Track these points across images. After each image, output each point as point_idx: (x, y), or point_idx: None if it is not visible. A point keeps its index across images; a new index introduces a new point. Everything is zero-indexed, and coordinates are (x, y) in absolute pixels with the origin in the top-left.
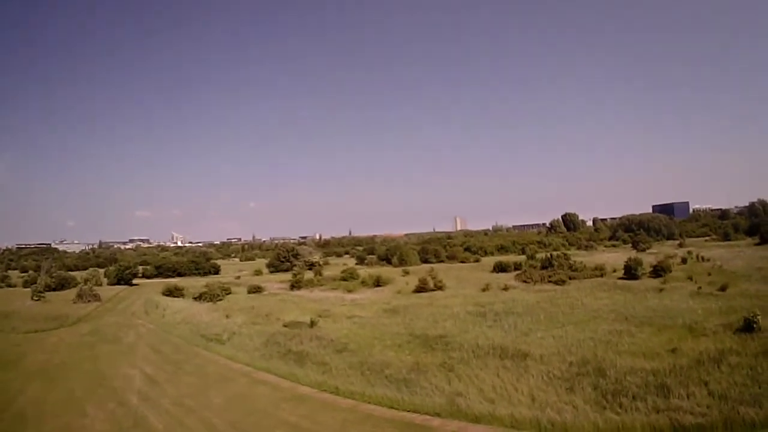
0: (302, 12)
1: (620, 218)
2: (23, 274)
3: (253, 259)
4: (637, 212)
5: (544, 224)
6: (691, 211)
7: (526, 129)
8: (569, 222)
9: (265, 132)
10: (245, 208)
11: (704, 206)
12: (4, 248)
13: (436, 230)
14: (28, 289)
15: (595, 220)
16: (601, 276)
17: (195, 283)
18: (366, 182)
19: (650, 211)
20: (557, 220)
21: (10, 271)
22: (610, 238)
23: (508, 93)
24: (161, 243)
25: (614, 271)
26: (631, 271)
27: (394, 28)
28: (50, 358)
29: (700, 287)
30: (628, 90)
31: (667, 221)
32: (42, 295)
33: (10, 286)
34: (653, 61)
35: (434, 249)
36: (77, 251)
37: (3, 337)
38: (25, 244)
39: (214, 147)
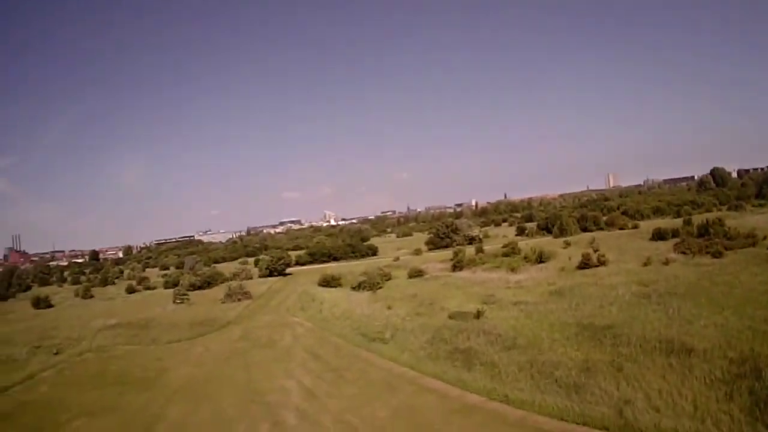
0: None
1: (765, 169)
2: (164, 273)
3: (411, 234)
4: None
5: (692, 177)
6: None
7: (672, 71)
8: (718, 177)
9: (409, 100)
10: (397, 179)
11: None
12: (142, 246)
13: (590, 188)
14: (170, 291)
15: (740, 173)
16: (753, 245)
17: (353, 269)
18: (518, 142)
19: None
20: (707, 176)
21: (148, 270)
22: (757, 195)
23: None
24: (313, 223)
25: (764, 238)
26: None
27: None
28: (195, 371)
29: None
30: None
31: None
32: (185, 296)
33: (149, 288)
34: None
35: (593, 216)
36: (223, 240)
37: (142, 350)
38: (165, 240)
39: (359, 120)
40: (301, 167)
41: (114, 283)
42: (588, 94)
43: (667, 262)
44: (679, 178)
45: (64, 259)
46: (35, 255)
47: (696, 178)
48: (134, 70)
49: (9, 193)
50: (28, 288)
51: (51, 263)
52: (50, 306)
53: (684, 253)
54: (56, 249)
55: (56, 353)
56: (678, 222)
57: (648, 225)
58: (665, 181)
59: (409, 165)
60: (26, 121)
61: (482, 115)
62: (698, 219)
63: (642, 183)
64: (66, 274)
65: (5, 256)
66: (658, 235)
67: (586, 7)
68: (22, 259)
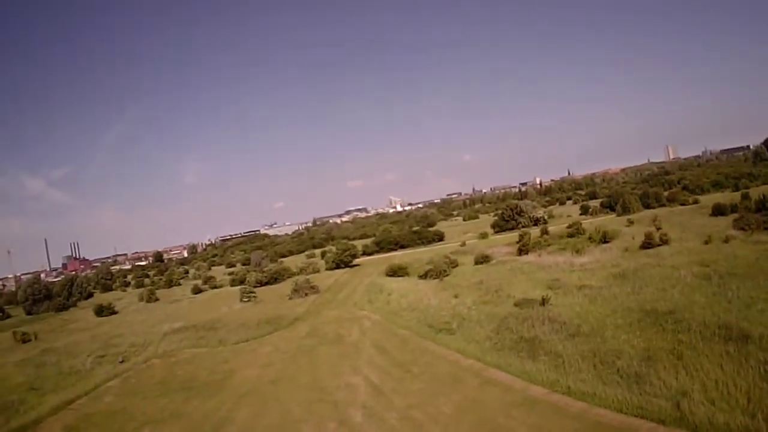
0: None
1: None
2: (230, 271)
3: (477, 217)
4: None
5: (749, 147)
6: None
7: (731, 40)
8: None
9: (468, 82)
10: (460, 161)
11: None
12: (207, 244)
13: (650, 161)
14: (237, 289)
15: None
16: None
17: (419, 257)
18: (580, 117)
19: None
20: (761, 147)
21: (214, 269)
22: None
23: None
24: (379, 210)
25: None
26: None
27: None
28: (262, 372)
29: None
30: None
31: None
32: (252, 294)
33: (215, 287)
34: None
35: (654, 192)
36: (289, 233)
37: (209, 353)
38: (230, 236)
39: (419, 105)
40: (363, 155)
41: (179, 284)
42: (643, 66)
43: (727, 240)
44: (735, 148)
45: (127, 262)
46: (96, 261)
47: (752, 147)
48: (190, 71)
49: (64, 202)
50: (90, 295)
51: (113, 267)
52: (114, 313)
53: (743, 229)
54: (118, 253)
55: (121, 361)
56: (736, 196)
57: (708, 199)
58: (722, 151)
59: (471, 147)
60: (77, 128)
61: (540, 92)
62: (755, 192)
63: (700, 154)
64: (129, 277)
65: (64, 264)
66: (718, 211)
67: None
68: (82, 266)
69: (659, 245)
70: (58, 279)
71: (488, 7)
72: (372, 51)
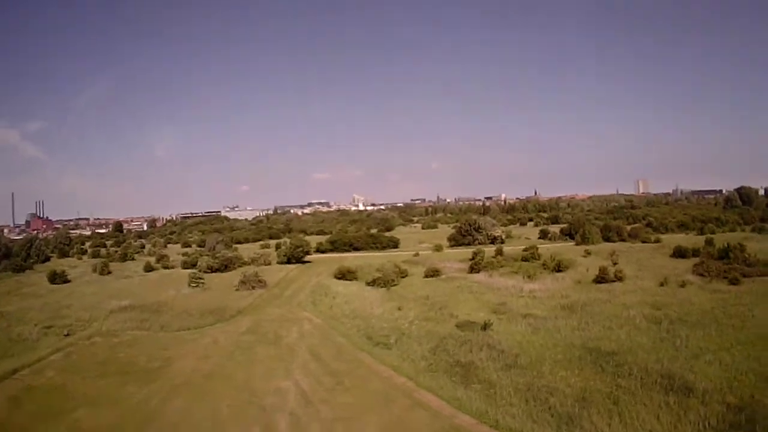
0: None
1: None
2: (185, 251)
3: (436, 227)
4: None
5: (721, 191)
6: None
7: (714, 82)
8: (744, 195)
9: (442, 91)
10: (428, 168)
11: None
12: (167, 219)
13: (619, 192)
14: (188, 272)
15: (766, 191)
16: None
17: (371, 262)
18: (551, 140)
19: None
20: (733, 193)
21: (170, 247)
22: None
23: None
24: (341, 206)
25: None
26: None
27: None
28: (199, 365)
29: None
30: None
31: None
32: (201, 280)
33: (167, 267)
34: None
35: (616, 226)
36: (250, 218)
37: (150, 337)
38: (192, 213)
39: (392, 106)
40: (332, 149)
41: (134, 259)
42: (624, 98)
43: (683, 285)
44: (707, 191)
45: (88, 228)
46: (59, 222)
47: (724, 192)
48: (171, 42)
49: (36, 157)
50: (48, 259)
51: (74, 232)
52: (67, 281)
53: (702, 275)
54: (81, 216)
55: (66, 335)
56: (700, 240)
57: (671, 239)
58: (694, 192)
59: (441, 155)
60: (57, 85)
61: (516, 111)
62: (721, 239)
63: (671, 191)
64: (87, 245)
65: (27, 222)
66: (679, 253)
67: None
68: (44, 226)
69: (613, 281)
70: (20, 237)
71: (472, 17)
72: (353, 47)
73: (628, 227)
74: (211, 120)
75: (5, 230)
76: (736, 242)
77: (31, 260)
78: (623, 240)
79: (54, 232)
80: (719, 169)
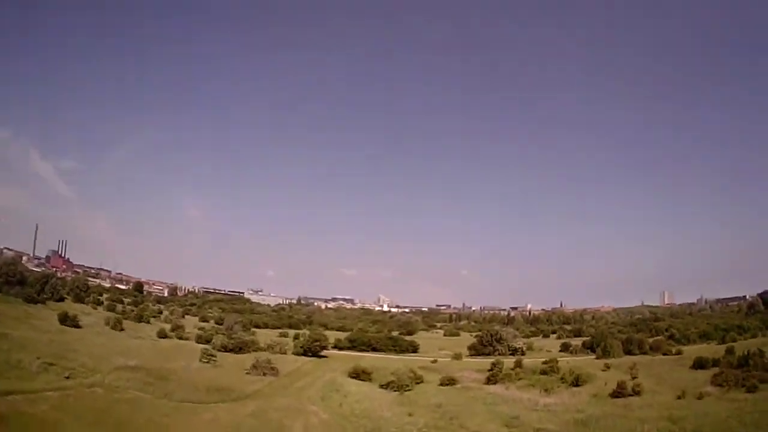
0: None
1: None
2: (201, 325)
3: (458, 334)
4: None
5: (745, 297)
6: None
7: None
8: (766, 301)
9: (482, 202)
10: (456, 275)
11: None
12: (189, 290)
13: (645, 303)
14: (201, 346)
15: None
16: None
17: (388, 364)
18: (578, 253)
19: None
20: (756, 298)
21: (188, 318)
22: None
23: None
24: (365, 305)
25: None
26: None
27: None
28: None
29: None
30: None
31: None
32: (213, 357)
33: (181, 338)
34: None
35: (639, 339)
36: (272, 304)
37: (151, 402)
38: (214, 289)
39: (428, 209)
40: (363, 246)
41: (149, 322)
42: (648, 213)
43: (701, 397)
44: (731, 298)
45: (109, 280)
46: (80, 267)
47: (748, 297)
48: (220, 111)
49: (65, 196)
50: (62, 299)
51: (93, 280)
52: (77, 326)
53: (720, 385)
54: (103, 267)
55: (67, 377)
56: (721, 349)
57: (692, 350)
58: (718, 300)
59: (470, 262)
60: (100, 129)
61: (543, 223)
62: (742, 346)
63: (695, 301)
64: (104, 297)
65: (47, 257)
66: (699, 364)
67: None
68: (64, 266)
69: (630, 395)
70: (38, 269)
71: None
72: (386, 142)
73: (650, 340)
74: (246, 199)
75: (24, 258)
76: (756, 348)
77: (45, 296)
78: (644, 353)
79: (73, 275)
80: (744, 274)
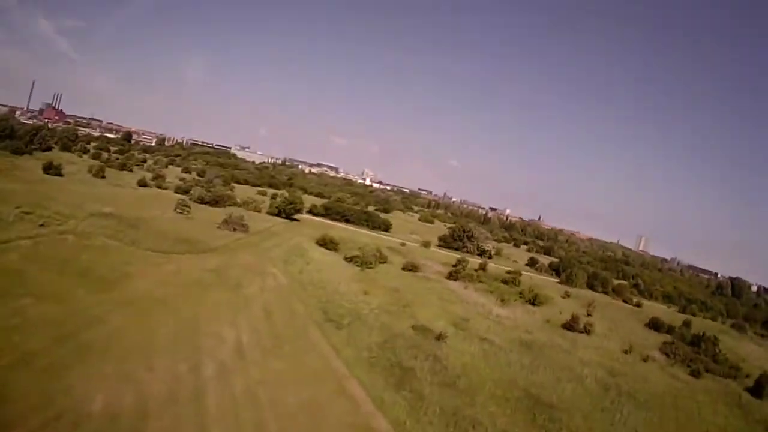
0: None
1: None
2: (183, 176)
3: (432, 222)
4: None
5: (716, 275)
6: None
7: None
8: (736, 288)
9: (485, 96)
10: (445, 163)
11: None
12: (177, 141)
13: (620, 242)
14: (179, 197)
15: (759, 291)
16: (734, 378)
17: (358, 238)
18: (566, 171)
19: None
20: (727, 281)
21: (171, 168)
22: (764, 323)
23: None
24: (349, 176)
25: (747, 375)
26: (760, 387)
27: None
28: (154, 289)
29: None
30: None
31: None
32: (187, 208)
33: (160, 187)
34: None
35: (604, 277)
36: (258, 162)
37: (118, 249)
38: (203, 142)
39: (426, 89)
40: (355, 117)
41: (132, 171)
42: (645, 154)
43: (646, 359)
44: (704, 270)
45: (99, 129)
46: (72, 117)
47: (719, 276)
48: None
49: (65, 54)
50: (49, 149)
51: (84, 130)
52: (60, 174)
53: (667, 355)
54: (94, 117)
55: (41, 225)
56: (678, 319)
57: (652, 308)
58: (690, 266)
59: (462, 155)
60: None
61: (540, 134)
62: (699, 324)
63: (669, 258)
64: (91, 145)
65: (41, 110)
66: (654, 325)
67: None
68: (56, 118)
69: (581, 332)
70: (30, 122)
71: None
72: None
73: (615, 282)
74: (246, 56)
75: (18, 112)
76: (712, 333)
77: (33, 146)
78: (606, 293)
79: (64, 125)
80: (721, 253)
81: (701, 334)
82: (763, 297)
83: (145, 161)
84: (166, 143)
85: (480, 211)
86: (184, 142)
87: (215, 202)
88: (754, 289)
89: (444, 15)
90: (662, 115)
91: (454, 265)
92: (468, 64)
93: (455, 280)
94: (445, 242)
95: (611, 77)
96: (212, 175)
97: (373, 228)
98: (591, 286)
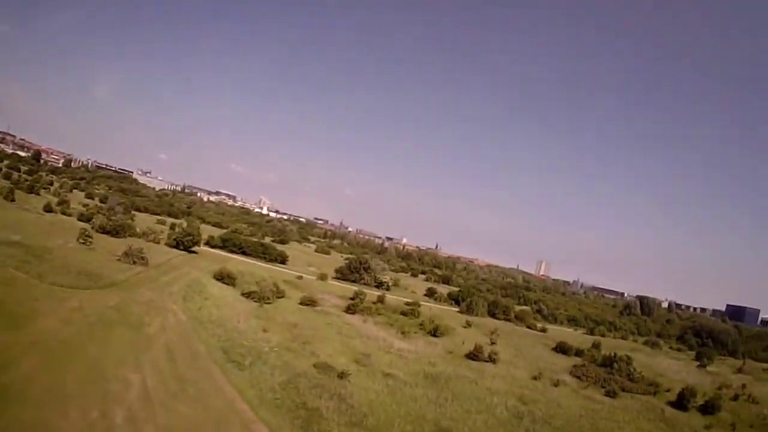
0: None
1: (692, 319)
2: (87, 202)
3: (329, 253)
4: (711, 306)
5: (623, 295)
6: (759, 320)
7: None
8: (645, 306)
9: (375, 121)
10: (340, 192)
11: None
12: (81, 164)
13: (520, 267)
14: (81, 225)
15: (671, 306)
16: (654, 394)
17: (255, 271)
18: (462, 200)
19: (724, 308)
20: (635, 301)
21: (75, 193)
22: (678, 338)
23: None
24: (246, 204)
25: (668, 390)
26: (682, 401)
27: None
28: (61, 328)
29: None
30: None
31: (736, 337)
32: (90, 239)
33: (65, 213)
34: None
35: (505, 305)
36: (158, 188)
37: (26, 282)
38: (107, 165)
39: (323, 120)
40: (253, 145)
41: (39, 194)
42: (541, 177)
43: (557, 384)
44: (609, 290)
45: (12, 146)
46: None
47: (626, 296)
48: None
49: None
50: None
51: None
52: None
53: (579, 378)
54: (8, 131)
55: None
56: (587, 341)
57: (557, 332)
58: (595, 288)
59: (357, 183)
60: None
61: (435, 159)
62: (609, 344)
63: (571, 281)
64: (3, 163)
65: None
66: (562, 349)
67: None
68: None
69: (486, 361)
70: None
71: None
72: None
73: (517, 308)
74: (151, 79)
75: None
76: (624, 352)
77: None
78: (509, 320)
79: None
80: (624, 272)
81: (613, 354)
82: (676, 312)
83: (51, 183)
84: (72, 164)
85: (376, 240)
86: (89, 164)
87: (116, 232)
88: (665, 305)
89: (328, 52)
90: (555, 136)
91: (351, 298)
92: (362, 92)
93: (354, 313)
94: (342, 274)
95: (496, 103)
96: (114, 201)
97: (270, 260)
98: (492, 314)
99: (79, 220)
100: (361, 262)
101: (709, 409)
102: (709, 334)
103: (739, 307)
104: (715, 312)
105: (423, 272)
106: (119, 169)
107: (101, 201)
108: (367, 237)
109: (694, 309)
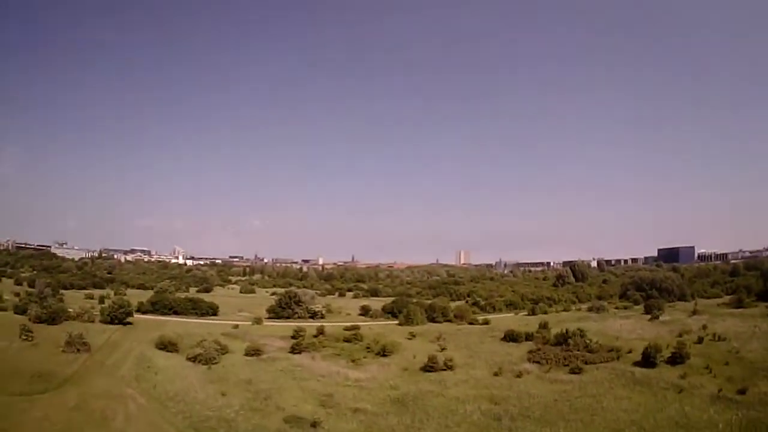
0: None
1: (628, 273)
2: (17, 290)
3: (254, 291)
4: (641, 254)
5: (548, 264)
6: (696, 256)
7: (532, 168)
8: (577, 272)
9: (270, 148)
10: (249, 225)
11: (710, 251)
12: (3, 247)
13: (440, 261)
14: (20, 318)
15: (600, 265)
16: (618, 359)
17: (192, 330)
18: (372, 207)
19: (655, 254)
20: (566, 270)
21: (4, 281)
22: (621, 296)
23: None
24: (162, 256)
25: (629, 351)
26: (649, 358)
27: None
28: None
29: (720, 390)
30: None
31: (679, 280)
32: (30, 333)
33: (2, 309)
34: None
35: (442, 307)
36: (77, 258)
37: None
38: (25, 244)
39: (220, 159)
40: (156, 196)
41: None
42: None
43: (520, 375)
44: (533, 263)
45: None
46: None
47: (552, 264)
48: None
49: None
50: None
51: None
52: None
53: (539, 363)
54: None
55: None
56: (533, 321)
57: (500, 321)
58: (519, 264)
59: (262, 213)
60: None
61: (335, 175)
62: (555, 320)
63: (494, 263)
64: None
65: None
66: (511, 337)
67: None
68: None
69: (443, 369)
70: None
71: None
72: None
73: (453, 305)
74: (44, 151)
75: None
76: (573, 325)
77: None
78: (449, 321)
79: None
80: (544, 242)
81: (564, 330)
82: (608, 270)
83: None
84: None
85: (294, 266)
86: (10, 246)
87: (52, 320)
88: (594, 264)
89: (213, 92)
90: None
91: (293, 337)
92: (245, 117)
93: (299, 352)
94: (275, 313)
95: (388, 113)
96: (42, 285)
97: (202, 315)
98: (432, 319)
99: (15, 312)
100: (291, 296)
101: (677, 359)
102: (651, 285)
103: (672, 248)
104: (647, 259)
105: (349, 289)
106: (38, 245)
107: (30, 285)
108: (284, 264)
109: (625, 261)
